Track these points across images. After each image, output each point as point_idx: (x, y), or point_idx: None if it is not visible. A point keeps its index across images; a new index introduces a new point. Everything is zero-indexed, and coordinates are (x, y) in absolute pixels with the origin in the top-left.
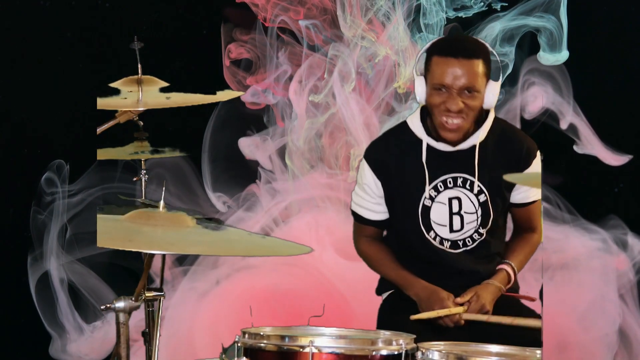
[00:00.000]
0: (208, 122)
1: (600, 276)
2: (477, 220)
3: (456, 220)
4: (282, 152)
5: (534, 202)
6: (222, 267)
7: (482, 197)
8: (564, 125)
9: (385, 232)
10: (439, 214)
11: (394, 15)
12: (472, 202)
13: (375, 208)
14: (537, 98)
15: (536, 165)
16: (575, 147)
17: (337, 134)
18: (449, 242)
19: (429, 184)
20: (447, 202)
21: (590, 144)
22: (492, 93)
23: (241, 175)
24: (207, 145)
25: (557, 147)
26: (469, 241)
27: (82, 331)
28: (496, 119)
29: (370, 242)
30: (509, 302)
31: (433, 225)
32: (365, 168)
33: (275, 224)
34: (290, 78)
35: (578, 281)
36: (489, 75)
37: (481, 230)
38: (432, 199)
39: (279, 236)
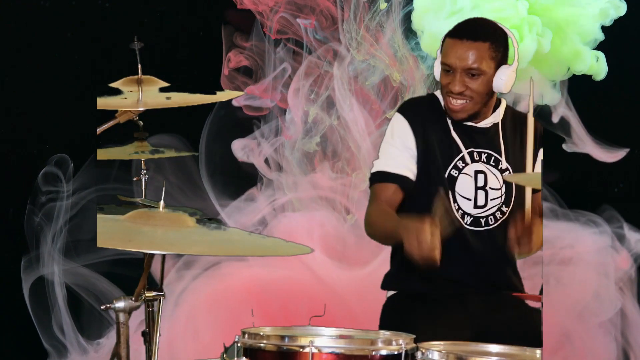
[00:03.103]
0: (204, 126)
1: (599, 269)
2: (501, 197)
3: (481, 195)
4: (279, 153)
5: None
6: (218, 263)
7: (506, 174)
8: (555, 119)
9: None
10: (464, 186)
11: (390, 25)
12: (497, 178)
13: (402, 162)
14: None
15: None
16: (564, 146)
17: (334, 152)
18: (471, 218)
19: (458, 154)
20: (473, 175)
21: (581, 140)
22: (502, 77)
23: (240, 179)
24: (203, 150)
25: (552, 143)
26: (491, 219)
27: (83, 347)
28: (507, 106)
29: (381, 209)
30: (513, 302)
31: (457, 197)
32: (400, 121)
33: (271, 223)
34: (290, 79)
35: (577, 276)
36: (501, 59)
37: (504, 209)
38: (459, 169)
39: (275, 235)
